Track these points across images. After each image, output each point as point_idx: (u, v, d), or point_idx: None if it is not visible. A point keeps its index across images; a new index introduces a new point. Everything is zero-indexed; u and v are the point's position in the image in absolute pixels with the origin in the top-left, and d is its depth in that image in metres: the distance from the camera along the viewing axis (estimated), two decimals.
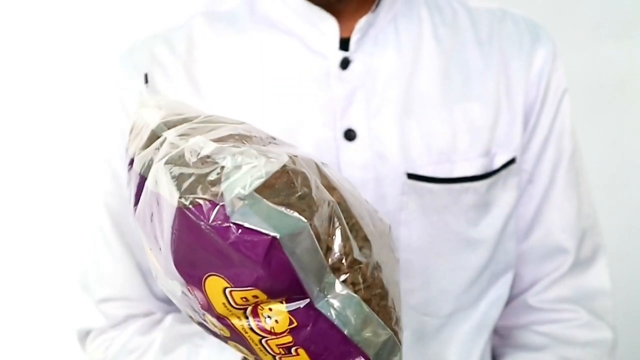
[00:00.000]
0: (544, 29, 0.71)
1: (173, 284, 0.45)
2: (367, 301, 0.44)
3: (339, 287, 0.43)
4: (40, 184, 1.10)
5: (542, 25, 0.72)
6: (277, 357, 0.45)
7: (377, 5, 0.65)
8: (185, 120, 0.47)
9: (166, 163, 0.42)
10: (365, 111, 0.64)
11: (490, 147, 0.66)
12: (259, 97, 0.64)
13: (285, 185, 0.41)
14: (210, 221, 0.40)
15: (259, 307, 0.43)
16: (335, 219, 0.43)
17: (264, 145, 0.45)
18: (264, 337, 0.44)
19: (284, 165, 0.42)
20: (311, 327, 0.43)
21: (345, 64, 0.64)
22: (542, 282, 0.72)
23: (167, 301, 0.70)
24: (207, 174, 0.41)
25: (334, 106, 0.64)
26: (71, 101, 1.08)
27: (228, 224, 0.40)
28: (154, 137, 0.47)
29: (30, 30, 1.06)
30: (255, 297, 0.41)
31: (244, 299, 0.42)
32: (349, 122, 0.63)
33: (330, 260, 0.43)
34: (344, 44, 0.64)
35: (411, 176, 0.64)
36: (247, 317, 0.43)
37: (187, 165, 0.42)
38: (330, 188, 0.44)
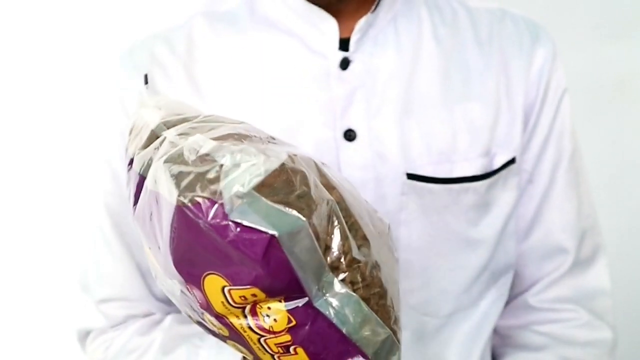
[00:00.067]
0: (543, 29, 0.71)
1: (172, 284, 0.45)
2: (366, 300, 0.44)
3: (337, 286, 0.43)
4: (40, 184, 1.10)
5: (542, 25, 0.72)
6: (275, 356, 0.45)
7: (376, 6, 0.65)
8: (184, 120, 0.47)
9: (165, 161, 0.42)
10: (365, 111, 0.64)
11: (490, 147, 0.66)
12: (259, 97, 0.64)
13: (284, 184, 0.41)
14: (209, 219, 0.40)
15: (258, 305, 0.43)
16: (334, 218, 0.43)
17: (263, 145, 0.45)
18: (262, 336, 0.44)
19: (283, 164, 0.42)
20: (310, 326, 0.43)
21: (345, 64, 0.64)
22: (542, 282, 0.72)
23: (167, 302, 0.70)
24: (206, 172, 0.41)
25: (333, 106, 0.64)
26: (71, 101, 1.08)
27: (227, 222, 0.40)
28: (153, 137, 0.47)
29: (30, 30, 1.06)
30: (254, 295, 0.41)
31: (242, 298, 0.42)
32: (348, 122, 0.63)
33: (329, 259, 0.43)
34: (344, 44, 0.64)
35: (411, 176, 0.64)
36: (245, 316, 0.43)
37: (186, 163, 0.42)
38: (330, 187, 0.44)
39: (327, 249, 0.43)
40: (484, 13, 0.70)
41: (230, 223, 0.40)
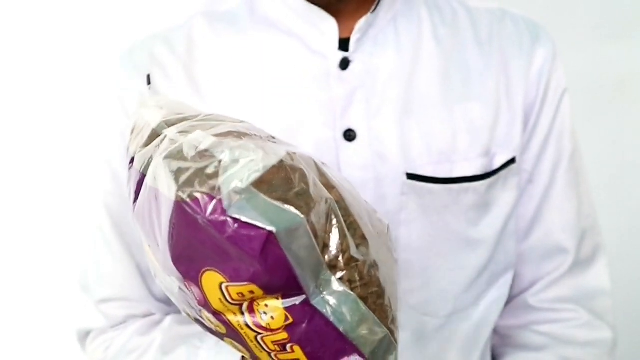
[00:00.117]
0: (543, 29, 0.71)
1: (171, 281, 0.45)
2: (364, 299, 0.44)
3: (335, 284, 0.43)
4: (40, 184, 1.10)
5: (542, 25, 0.72)
6: (272, 354, 0.45)
7: (376, 6, 0.65)
8: (185, 119, 0.47)
9: (165, 158, 0.43)
10: (365, 111, 0.64)
11: (490, 147, 0.66)
12: (259, 97, 0.64)
13: (283, 181, 0.41)
14: (207, 215, 0.40)
15: (255, 303, 0.43)
16: (333, 217, 0.43)
17: (262, 142, 0.45)
18: (259, 333, 0.44)
19: (282, 161, 0.42)
20: (307, 324, 0.43)
21: (345, 64, 0.64)
22: (542, 281, 0.72)
23: (167, 302, 0.70)
24: (205, 167, 0.41)
25: (333, 106, 0.64)
26: (71, 101, 1.08)
27: (225, 218, 0.40)
28: (154, 135, 0.47)
29: (30, 30, 1.06)
30: (252, 292, 0.41)
31: (240, 295, 0.42)
32: (348, 123, 0.63)
33: (327, 257, 0.43)
34: (344, 44, 0.64)
35: (411, 176, 0.64)
36: (242, 313, 0.43)
37: (185, 159, 0.42)
38: (329, 186, 0.44)
39: (325, 247, 0.43)
40: (484, 13, 0.70)
41: (228, 219, 0.40)
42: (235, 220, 0.40)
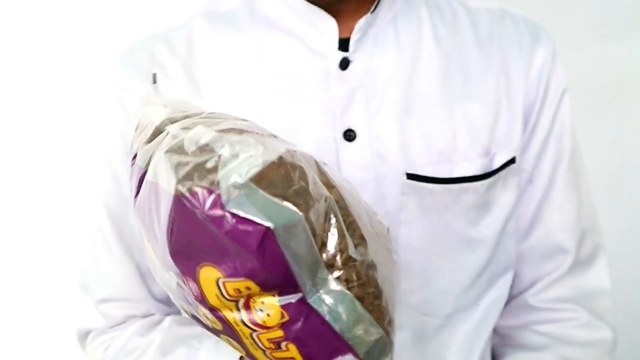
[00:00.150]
0: (543, 29, 0.71)
1: (169, 276, 0.45)
2: (360, 299, 0.44)
3: (332, 283, 0.43)
4: (40, 184, 1.10)
5: (542, 25, 0.72)
6: (267, 352, 0.45)
7: (376, 6, 0.65)
8: (188, 117, 0.47)
9: (166, 152, 0.43)
10: (365, 111, 0.64)
11: (490, 147, 0.66)
12: (259, 97, 0.64)
13: (283, 178, 0.41)
14: (205, 209, 0.40)
15: (252, 299, 0.42)
16: (332, 216, 0.43)
17: (263, 139, 0.45)
18: (255, 330, 0.44)
19: (282, 158, 0.42)
20: (303, 322, 0.43)
21: (344, 64, 0.64)
22: (542, 281, 0.72)
23: (166, 302, 0.70)
24: (205, 162, 0.41)
25: (333, 106, 0.64)
26: (71, 101, 1.08)
27: (223, 213, 0.40)
28: (157, 132, 0.47)
29: (30, 30, 1.06)
30: (248, 289, 0.41)
31: (236, 291, 0.42)
32: (348, 123, 0.63)
33: (324, 255, 0.43)
34: (344, 45, 0.64)
35: (411, 176, 0.64)
36: (239, 310, 0.43)
37: (186, 154, 0.42)
38: (329, 186, 0.44)
39: (323, 245, 0.43)
40: (484, 13, 0.70)
41: (226, 214, 0.40)
42: (234, 215, 0.40)
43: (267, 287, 0.42)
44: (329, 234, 0.43)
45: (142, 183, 0.46)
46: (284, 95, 0.64)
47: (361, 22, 0.64)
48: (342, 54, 0.64)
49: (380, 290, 0.46)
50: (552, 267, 0.72)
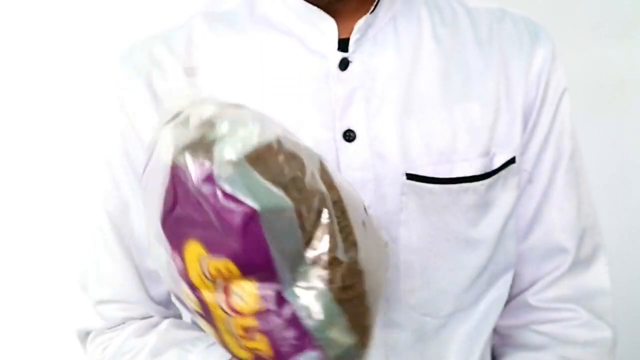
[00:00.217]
0: (543, 29, 0.71)
1: (160, 252, 0.45)
2: (341, 302, 0.43)
3: (312, 280, 0.42)
4: (40, 184, 1.10)
5: (541, 25, 0.72)
6: (239, 339, 0.44)
7: (375, 6, 0.65)
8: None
9: (170, 126, 0.43)
10: (364, 112, 0.64)
11: (489, 147, 0.66)
12: (259, 97, 0.64)
13: (278, 164, 0.41)
14: (197, 182, 0.40)
15: (231, 283, 0.42)
16: (325, 213, 0.42)
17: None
18: (230, 315, 0.43)
19: (281, 144, 0.41)
20: (276, 315, 0.42)
21: (344, 64, 0.64)
22: (542, 281, 0.72)
23: (165, 305, 0.70)
24: (203, 136, 0.41)
25: (333, 107, 0.64)
26: (71, 101, 1.08)
27: (214, 188, 0.40)
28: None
29: (30, 30, 1.06)
30: (229, 271, 0.41)
31: (217, 271, 0.41)
32: (348, 123, 0.63)
33: (310, 251, 0.42)
34: (344, 45, 0.64)
35: (411, 176, 0.64)
36: (217, 292, 0.43)
37: (188, 128, 0.42)
38: (330, 186, 0.44)
39: (310, 240, 0.42)
40: (483, 13, 0.70)
41: (216, 189, 0.40)
42: (223, 191, 0.39)
43: (246, 271, 0.41)
44: (318, 231, 0.42)
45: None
46: (284, 95, 0.64)
47: (360, 23, 0.64)
48: (341, 54, 0.64)
49: (365, 299, 0.45)
50: (552, 267, 0.72)
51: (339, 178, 0.46)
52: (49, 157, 1.09)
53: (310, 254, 0.42)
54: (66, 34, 1.07)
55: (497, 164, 0.66)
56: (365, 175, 0.63)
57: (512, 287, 0.73)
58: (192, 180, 0.40)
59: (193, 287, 0.44)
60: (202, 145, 0.41)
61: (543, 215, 0.71)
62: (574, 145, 0.72)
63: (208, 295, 0.43)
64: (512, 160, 0.68)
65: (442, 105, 0.65)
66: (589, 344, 0.71)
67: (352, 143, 0.63)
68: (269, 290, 0.42)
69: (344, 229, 0.44)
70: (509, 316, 0.74)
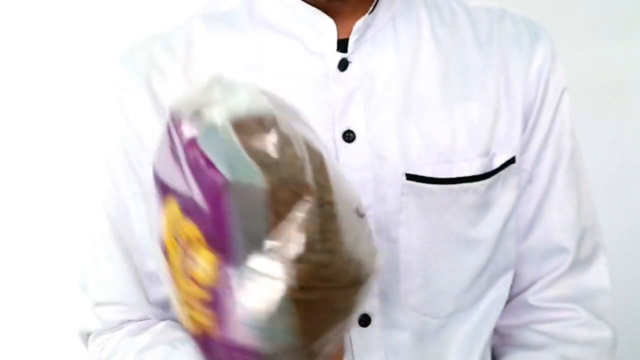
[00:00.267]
0: (543, 28, 0.71)
1: (156, 218, 0.46)
2: (295, 302, 0.41)
3: (269, 267, 0.40)
4: (41, 185, 1.10)
5: (541, 25, 0.72)
6: (191, 311, 0.43)
7: (374, 6, 0.65)
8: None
9: (186, 90, 0.44)
10: (364, 112, 0.64)
11: (489, 147, 0.66)
12: None
13: (270, 146, 0.40)
14: (182, 140, 0.41)
15: (195, 251, 0.41)
16: (307, 210, 0.40)
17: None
18: (189, 284, 0.42)
19: (277, 124, 0.41)
20: (222, 294, 0.41)
21: (343, 65, 0.64)
22: (542, 281, 0.72)
23: (163, 308, 0.70)
24: (200, 98, 0.42)
25: (332, 107, 0.64)
26: (71, 102, 1.08)
27: (196, 149, 0.40)
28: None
29: (30, 30, 1.06)
30: (198, 240, 0.41)
31: (187, 237, 0.41)
32: (347, 124, 0.63)
33: (276, 239, 0.40)
34: (343, 45, 0.64)
35: (410, 177, 0.64)
36: (184, 258, 0.42)
37: (197, 92, 0.43)
38: (325, 187, 0.43)
39: (279, 230, 0.40)
40: (483, 13, 0.70)
41: (197, 150, 0.40)
42: (202, 154, 0.39)
43: (212, 244, 0.40)
44: (292, 224, 0.40)
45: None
46: (283, 96, 0.64)
47: (359, 23, 0.64)
48: (340, 55, 0.64)
49: (328, 307, 0.43)
50: (552, 267, 0.72)
51: (340, 180, 0.45)
52: (49, 157, 1.09)
53: (273, 243, 0.40)
54: (66, 34, 1.07)
55: (497, 164, 0.66)
56: (365, 175, 0.63)
57: (512, 286, 0.73)
58: (179, 138, 0.41)
59: (165, 251, 0.44)
60: (196, 107, 0.41)
61: (543, 215, 0.71)
62: (573, 145, 0.72)
63: (175, 261, 0.43)
64: (512, 160, 0.68)
65: (442, 106, 0.65)
66: (589, 343, 0.71)
67: (352, 143, 0.63)
68: (227, 269, 0.40)
69: (324, 232, 0.42)
70: (509, 316, 0.74)
